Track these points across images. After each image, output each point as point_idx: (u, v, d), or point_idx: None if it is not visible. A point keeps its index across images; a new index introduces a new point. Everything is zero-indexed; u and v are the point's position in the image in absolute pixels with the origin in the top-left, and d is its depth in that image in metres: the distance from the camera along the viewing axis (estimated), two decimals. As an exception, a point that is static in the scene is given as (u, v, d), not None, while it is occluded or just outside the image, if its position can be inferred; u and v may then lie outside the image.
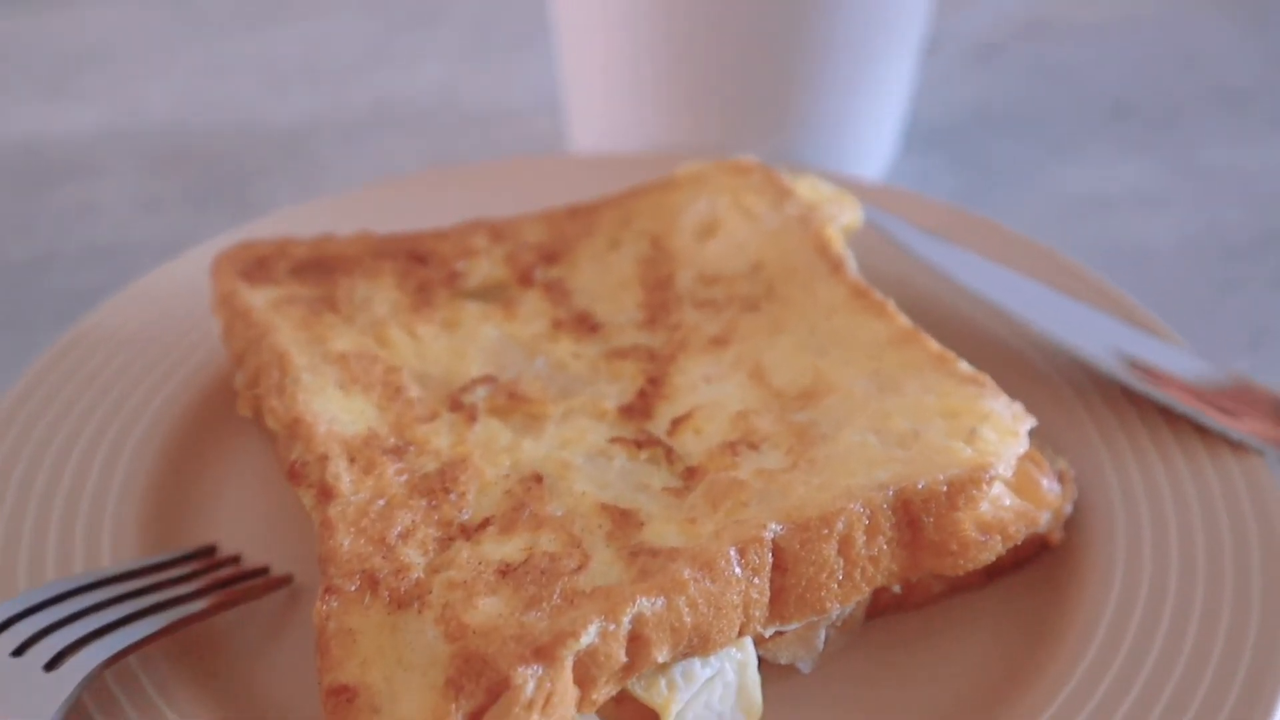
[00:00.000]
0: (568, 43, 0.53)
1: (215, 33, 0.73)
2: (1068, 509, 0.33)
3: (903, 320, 0.36)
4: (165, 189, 0.56)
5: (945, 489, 0.30)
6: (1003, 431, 0.31)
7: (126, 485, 0.35)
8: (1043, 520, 0.32)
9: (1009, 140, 0.61)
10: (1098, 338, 0.39)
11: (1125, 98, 0.66)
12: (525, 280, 0.39)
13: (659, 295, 0.39)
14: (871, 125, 0.53)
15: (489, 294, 0.39)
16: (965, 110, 0.64)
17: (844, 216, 0.40)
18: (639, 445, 0.33)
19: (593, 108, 0.53)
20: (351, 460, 0.31)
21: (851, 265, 0.38)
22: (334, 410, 0.33)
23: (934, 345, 0.35)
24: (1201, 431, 0.36)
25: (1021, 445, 0.31)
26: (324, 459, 0.31)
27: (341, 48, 0.71)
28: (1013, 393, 0.38)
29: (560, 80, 0.55)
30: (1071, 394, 0.39)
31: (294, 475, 0.31)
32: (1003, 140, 0.61)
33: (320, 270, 0.39)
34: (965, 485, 0.30)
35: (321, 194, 0.55)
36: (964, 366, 0.34)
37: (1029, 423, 0.32)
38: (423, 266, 0.39)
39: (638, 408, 0.35)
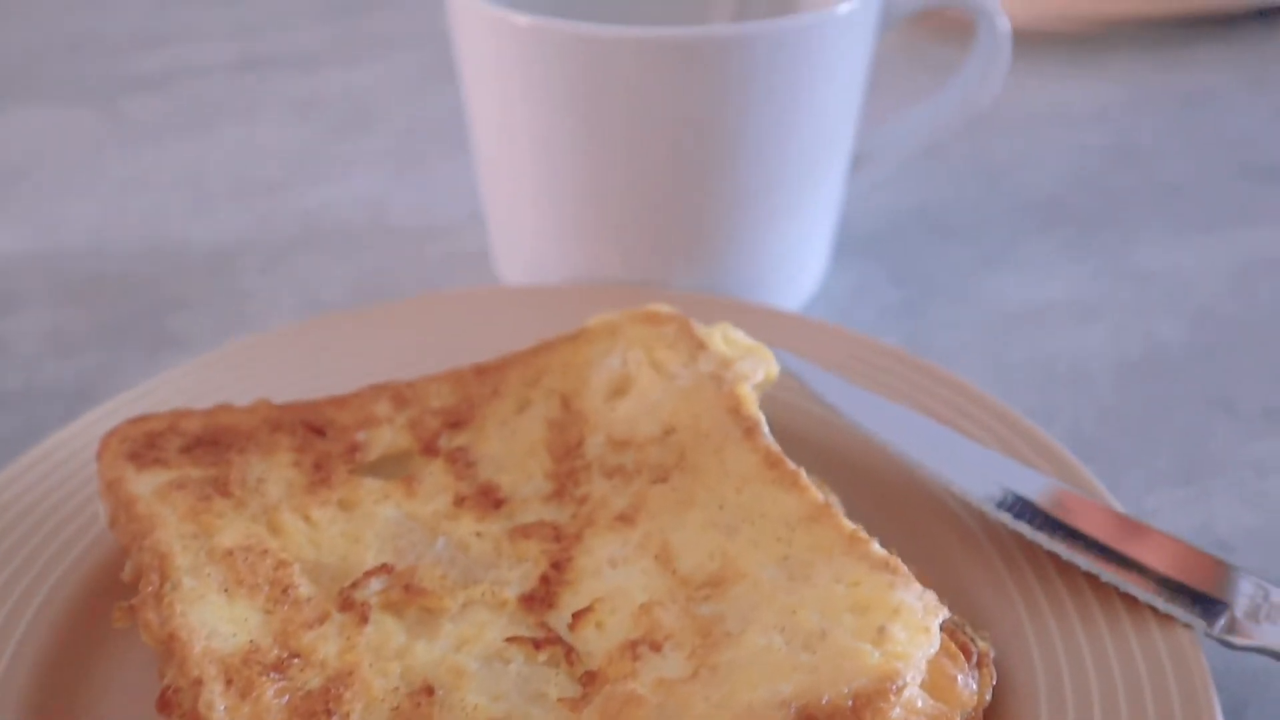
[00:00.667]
0: (487, 172, 0.52)
1: (144, 141, 0.72)
2: (987, 697, 0.32)
3: (814, 495, 0.34)
4: (79, 322, 0.55)
5: (851, 703, 0.28)
6: (913, 629, 0.30)
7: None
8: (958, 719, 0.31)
9: (944, 246, 0.60)
10: (1011, 485, 0.38)
11: (1060, 196, 0.65)
12: (429, 449, 0.38)
13: (567, 463, 0.37)
14: (800, 246, 0.52)
15: (391, 466, 0.38)
16: (900, 214, 0.63)
17: (759, 373, 0.39)
18: (538, 646, 0.32)
19: (515, 238, 0.52)
20: (229, 683, 0.30)
21: (765, 429, 0.37)
22: (214, 621, 0.31)
23: (845, 525, 0.33)
24: (1127, 598, 0.35)
25: (933, 645, 0.30)
26: (198, 684, 0.29)
27: (271, 157, 0.70)
28: (929, 550, 0.37)
29: (483, 207, 0.54)
30: (994, 552, 0.37)
31: (164, 705, 0.30)
32: (938, 246, 0.60)
33: (214, 447, 0.37)
34: (872, 698, 0.28)
35: (239, 332, 0.54)
36: (876, 549, 0.33)
37: (941, 615, 0.31)
38: (321, 439, 0.38)
39: (540, 596, 0.33)
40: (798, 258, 0.52)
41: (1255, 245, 0.61)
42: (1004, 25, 0.52)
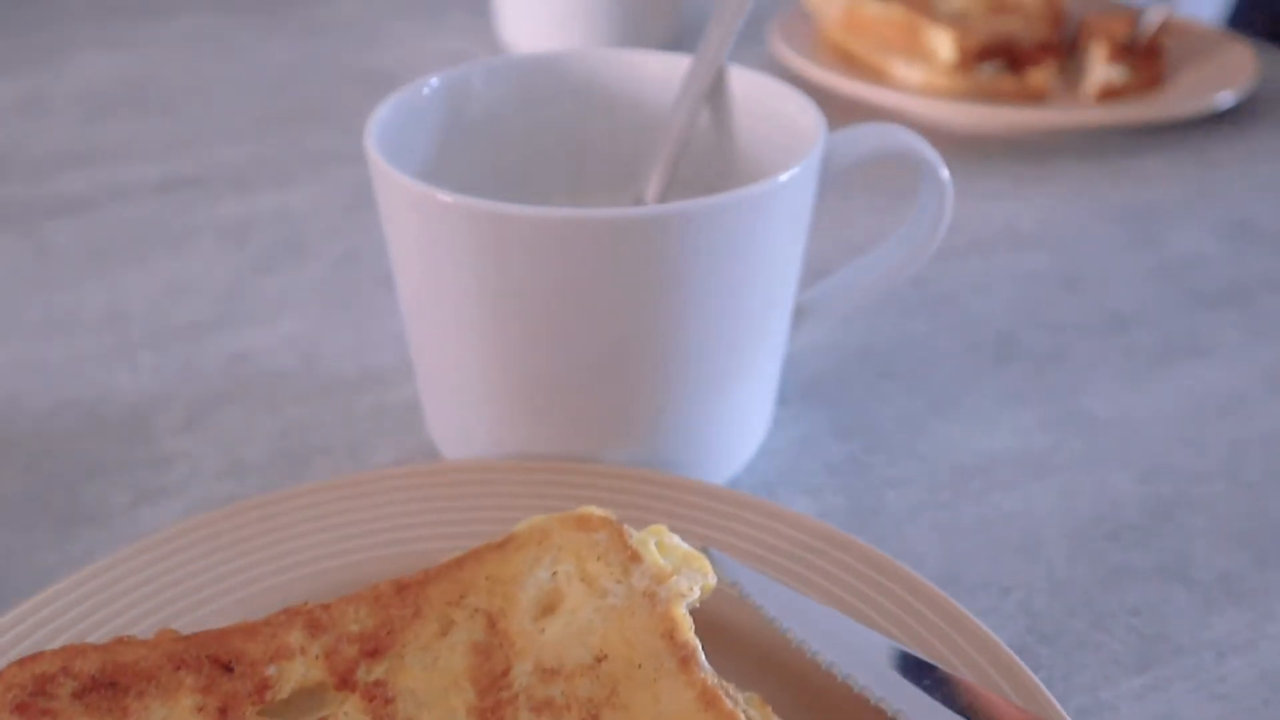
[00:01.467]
0: (415, 341, 0.50)
1: (66, 275, 0.69)
2: None
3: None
4: (-13, 496, 0.52)
5: None
6: None
7: None
8: None
9: (891, 391, 0.59)
10: (945, 700, 0.36)
11: (1009, 330, 0.64)
12: (346, 683, 0.36)
13: (493, 696, 0.35)
14: (741, 412, 0.50)
15: (304, 702, 0.35)
16: (845, 355, 0.61)
17: (695, 589, 0.37)
18: None
19: (445, 408, 0.50)
20: None
21: (701, 658, 0.35)
22: None
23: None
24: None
25: None
26: None
27: (198, 293, 0.67)
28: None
29: (414, 370, 0.52)
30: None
31: None
32: (884, 392, 0.59)
33: (111, 690, 0.34)
34: None
35: (156, 504, 0.51)
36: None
37: None
38: (229, 676, 0.35)
39: None
40: (739, 423, 0.50)
41: (1205, 382, 0.60)
42: (946, 176, 0.50)
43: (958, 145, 0.87)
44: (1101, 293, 0.68)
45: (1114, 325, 0.65)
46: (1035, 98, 0.89)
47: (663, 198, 0.53)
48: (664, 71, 0.56)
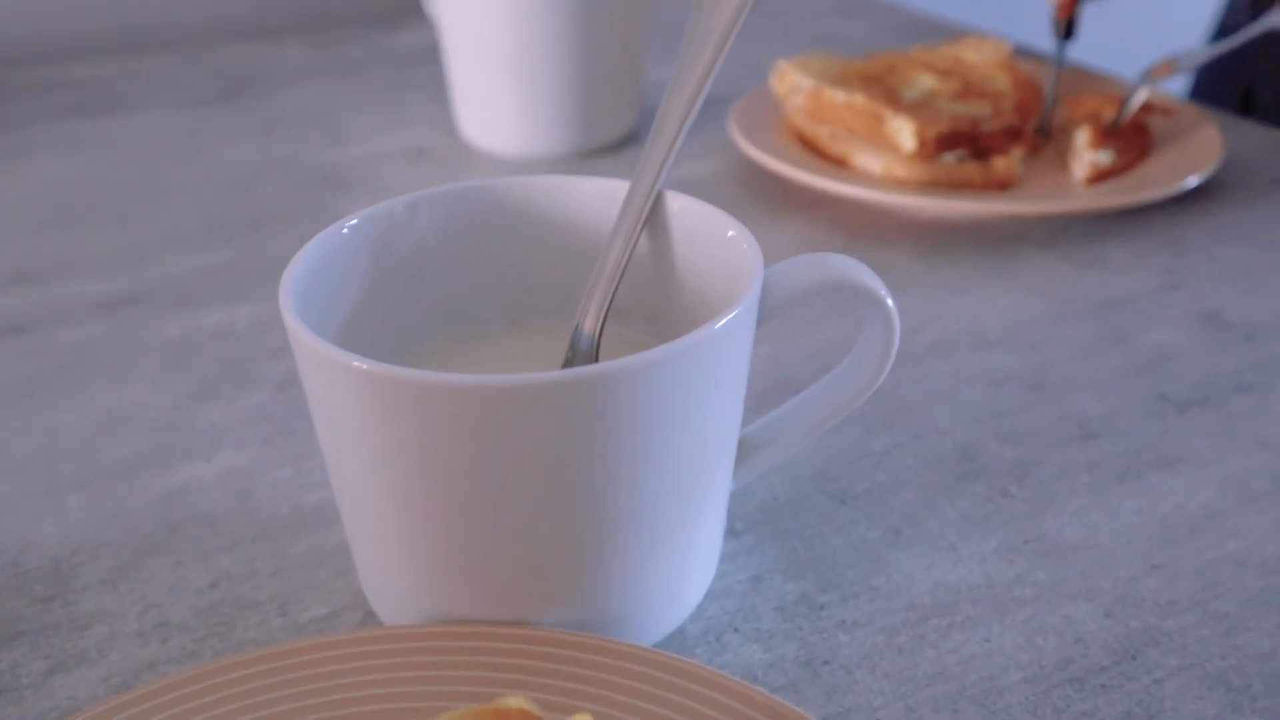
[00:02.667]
0: (343, 503, 0.47)
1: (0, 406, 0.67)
2: None
3: None
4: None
5: None
6: None
7: None
8: None
9: (848, 518, 0.57)
10: None
11: (971, 444, 0.62)
12: None
13: None
14: (684, 563, 0.48)
15: None
16: (799, 480, 0.59)
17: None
18: None
19: (375, 567, 0.48)
20: None
21: None
22: None
23: None
24: None
25: None
26: None
27: (135, 425, 0.65)
28: None
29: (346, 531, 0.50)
30: None
31: None
32: (841, 518, 0.56)
33: None
34: None
35: (71, 673, 0.49)
36: None
37: None
38: None
39: None
40: (683, 572, 0.48)
41: (1175, 496, 0.58)
42: (892, 308, 0.49)
43: (922, 237, 0.85)
44: (1067, 398, 0.66)
45: (1080, 435, 0.63)
46: (1002, 186, 0.88)
47: (600, 329, 0.52)
48: (602, 197, 0.54)
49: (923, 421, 0.64)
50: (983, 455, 0.61)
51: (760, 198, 0.93)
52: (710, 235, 0.51)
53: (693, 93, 0.51)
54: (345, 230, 0.50)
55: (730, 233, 0.50)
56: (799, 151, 0.93)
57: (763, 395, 0.66)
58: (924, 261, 0.82)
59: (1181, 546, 0.54)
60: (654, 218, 0.53)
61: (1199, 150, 0.91)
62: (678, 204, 0.52)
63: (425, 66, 1.25)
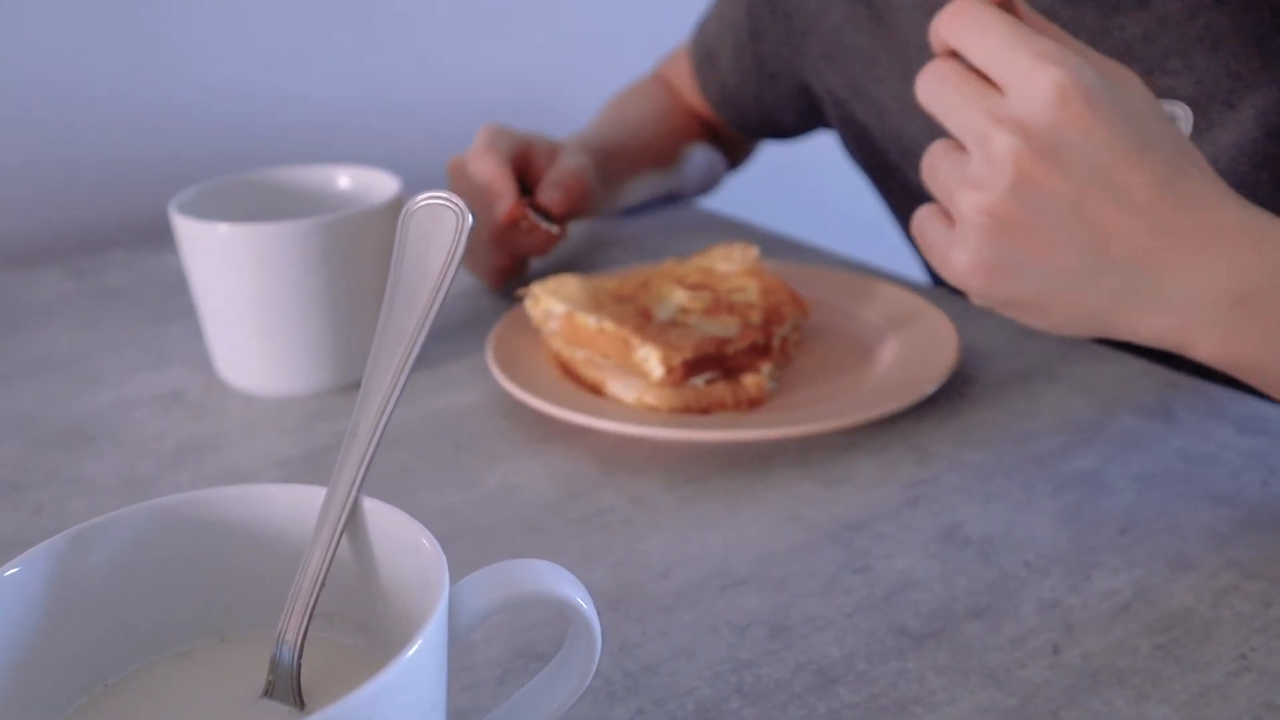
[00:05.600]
0: None
1: None
2: None
3: None
4: None
5: None
6: None
7: None
8: None
9: None
10: None
11: (714, 703, 0.61)
12: None
13: None
14: None
15: None
16: None
17: None
18: None
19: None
20: None
21: None
22: None
23: None
24: None
25: None
26: None
27: None
28: None
29: None
30: None
31: None
32: None
33: None
34: None
35: None
36: None
37: None
38: None
39: None
40: None
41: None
42: (596, 627, 0.48)
43: (675, 465, 0.86)
44: (809, 641, 0.66)
45: (820, 682, 0.63)
46: (754, 404, 0.89)
47: (301, 638, 0.50)
48: (299, 505, 0.53)
49: (664, 683, 0.63)
50: (724, 716, 0.60)
51: (521, 425, 0.92)
52: (404, 543, 0.50)
53: (385, 396, 0.51)
54: (15, 571, 0.48)
55: (424, 542, 0.49)
56: (557, 377, 0.94)
57: (508, 663, 0.65)
58: (676, 493, 0.82)
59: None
60: (353, 525, 0.52)
61: (939, 349, 0.94)
62: (374, 511, 0.51)
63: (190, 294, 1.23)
